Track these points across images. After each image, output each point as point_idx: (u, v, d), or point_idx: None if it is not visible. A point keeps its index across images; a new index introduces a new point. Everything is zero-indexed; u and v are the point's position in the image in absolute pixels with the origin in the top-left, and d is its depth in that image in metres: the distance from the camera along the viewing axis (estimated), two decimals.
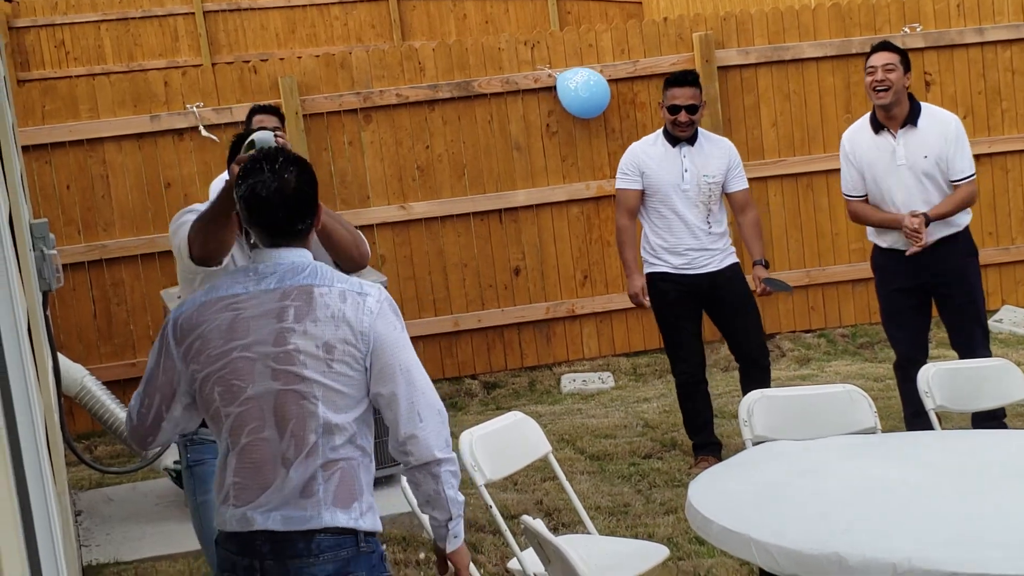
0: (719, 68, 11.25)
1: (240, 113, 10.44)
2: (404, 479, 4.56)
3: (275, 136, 4.80)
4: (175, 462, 8.22)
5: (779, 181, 11.47)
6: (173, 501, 8.41)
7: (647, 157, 8.39)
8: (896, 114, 7.98)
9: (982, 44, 11.70)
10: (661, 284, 8.41)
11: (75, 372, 8.24)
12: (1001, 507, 4.80)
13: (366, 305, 4.10)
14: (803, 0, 16.16)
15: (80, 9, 18.70)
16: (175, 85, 10.48)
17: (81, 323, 10.39)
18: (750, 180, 8.81)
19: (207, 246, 4.89)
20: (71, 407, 8.69)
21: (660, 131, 8.50)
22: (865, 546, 4.39)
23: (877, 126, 8.10)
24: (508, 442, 5.91)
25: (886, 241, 8.14)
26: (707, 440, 8.54)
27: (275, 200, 4.10)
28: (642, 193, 8.38)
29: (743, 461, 5.65)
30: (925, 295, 8.24)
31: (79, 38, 18.76)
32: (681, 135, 8.31)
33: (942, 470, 5.30)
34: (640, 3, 19.48)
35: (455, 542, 4.29)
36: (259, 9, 19.38)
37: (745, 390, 8.10)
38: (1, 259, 2.31)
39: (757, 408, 6.02)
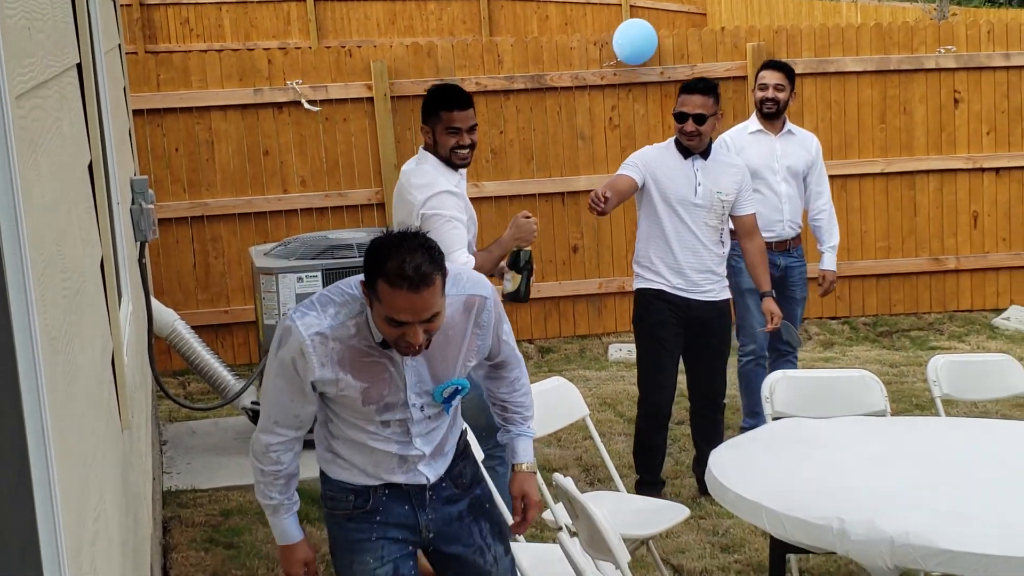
0: None
1: (334, 92, 10.37)
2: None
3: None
4: (253, 402, 8.14)
5: None
6: (250, 437, 8.29)
7: (660, 163, 6.96)
8: None
9: (1008, 68, 11.41)
10: (655, 302, 7.01)
11: (167, 316, 8.13)
12: (995, 490, 4.65)
13: None
14: (848, 19, 16.01)
15: None
16: (277, 63, 10.37)
17: (181, 272, 10.31)
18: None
19: None
20: (168, 347, 8.61)
21: (672, 140, 7.08)
22: (867, 520, 4.24)
23: None
24: (551, 403, 5.74)
25: None
26: (657, 479, 7.24)
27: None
28: (640, 191, 6.93)
29: (761, 434, 5.50)
30: None
31: (202, 17, 18.91)
32: (689, 145, 6.93)
33: (944, 454, 5.15)
34: (704, 14, 19.23)
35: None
36: (364, 0, 19.36)
37: (697, 429, 7.36)
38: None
39: (779, 387, 5.89)
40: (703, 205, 6.92)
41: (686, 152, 6.96)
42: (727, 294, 7.17)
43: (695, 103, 6.88)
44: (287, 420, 3.88)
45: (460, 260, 5.76)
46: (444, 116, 5.85)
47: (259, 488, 4.04)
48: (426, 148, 5.97)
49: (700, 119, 6.87)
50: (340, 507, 4.01)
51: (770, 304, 7.19)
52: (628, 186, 6.89)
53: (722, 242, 7.03)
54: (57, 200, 2.89)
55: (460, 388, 3.95)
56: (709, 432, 7.19)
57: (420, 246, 3.56)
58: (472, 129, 5.90)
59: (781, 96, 7.92)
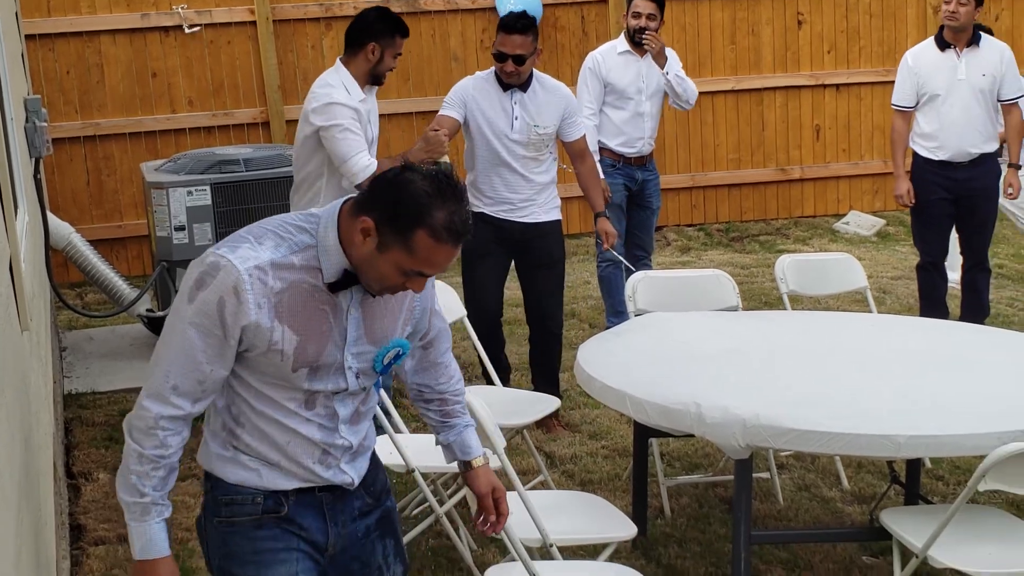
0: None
1: (218, 16, 10.17)
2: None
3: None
4: (147, 309, 8.05)
5: None
6: (145, 343, 8.22)
7: (479, 96, 6.52)
8: (962, 37, 7.54)
9: None
10: (478, 224, 6.20)
11: (63, 229, 7.98)
12: (837, 375, 4.75)
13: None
14: None
15: None
16: None
17: (76, 190, 10.11)
18: None
19: None
20: (66, 260, 8.47)
21: (493, 70, 6.59)
22: (721, 404, 4.30)
23: (943, 44, 7.62)
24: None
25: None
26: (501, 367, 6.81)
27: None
28: (464, 123, 6.49)
29: (625, 329, 5.54)
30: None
31: None
32: (509, 81, 6.49)
33: (791, 343, 5.24)
34: None
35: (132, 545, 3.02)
36: None
37: (534, 359, 6.88)
38: None
39: (641, 286, 5.92)
40: (520, 140, 6.50)
41: (506, 85, 6.53)
42: (555, 215, 6.73)
43: (514, 43, 6.43)
44: (189, 386, 2.93)
45: (362, 163, 5.93)
46: (399, 42, 6.13)
47: (127, 482, 2.95)
48: (347, 62, 6.14)
49: (519, 60, 6.42)
50: (244, 512, 3.09)
51: (604, 224, 6.88)
52: (452, 127, 6.42)
53: (534, 173, 6.59)
54: None
55: (401, 351, 3.16)
56: (541, 360, 6.87)
57: (461, 193, 2.88)
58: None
59: (653, 25, 7.85)
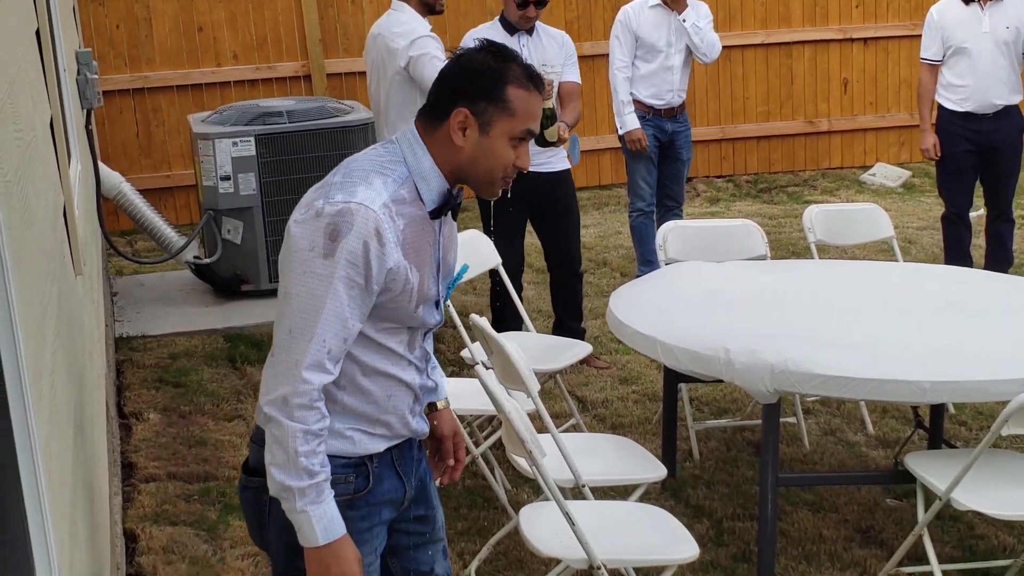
0: None
1: None
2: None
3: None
4: (195, 256, 8.08)
5: None
6: (193, 288, 8.26)
7: None
8: None
9: None
10: None
11: (114, 179, 8.01)
12: (863, 322, 4.73)
13: (299, 210, 2.76)
14: None
15: None
16: None
17: (126, 141, 10.12)
18: None
19: None
20: (116, 209, 8.51)
21: (497, 19, 6.69)
22: (749, 350, 4.30)
23: None
24: (465, 254, 5.69)
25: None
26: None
27: None
28: None
29: (655, 277, 5.54)
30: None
31: None
32: (527, 27, 6.57)
33: (818, 291, 5.22)
34: None
35: (296, 520, 2.70)
36: None
37: (556, 297, 6.92)
38: None
39: (671, 236, 5.90)
40: None
41: (512, 29, 6.58)
42: (565, 163, 6.71)
43: None
44: (339, 349, 2.70)
45: None
46: None
47: (296, 466, 2.66)
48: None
49: (542, 3, 6.51)
50: (337, 492, 2.74)
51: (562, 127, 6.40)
52: None
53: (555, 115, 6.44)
54: (5, 55, 2.81)
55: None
56: (566, 300, 6.92)
57: (510, 49, 2.86)
58: None
59: None
